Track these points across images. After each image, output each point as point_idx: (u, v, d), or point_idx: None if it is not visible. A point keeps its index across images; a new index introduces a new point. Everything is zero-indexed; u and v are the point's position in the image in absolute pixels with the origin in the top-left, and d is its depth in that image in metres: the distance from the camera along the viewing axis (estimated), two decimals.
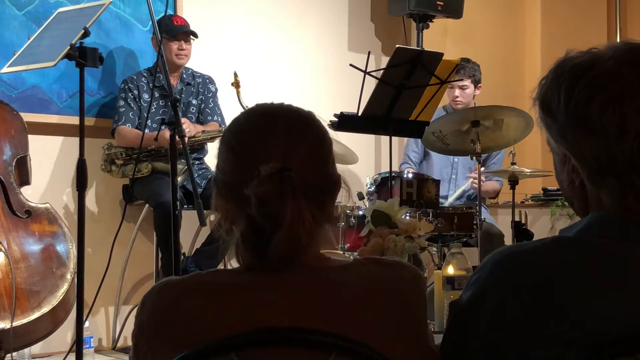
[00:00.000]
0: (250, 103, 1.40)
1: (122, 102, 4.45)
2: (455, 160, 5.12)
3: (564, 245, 1.19)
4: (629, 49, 1.19)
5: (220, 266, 4.57)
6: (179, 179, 3.87)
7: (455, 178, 5.16)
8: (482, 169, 4.52)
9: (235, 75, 4.06)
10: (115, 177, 4.43)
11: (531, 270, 1.15)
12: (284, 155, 1.24)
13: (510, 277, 1.16)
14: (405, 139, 5.45)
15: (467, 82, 4.98)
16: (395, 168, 4.29)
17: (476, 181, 4.79)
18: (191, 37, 4.51)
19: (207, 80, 4.72)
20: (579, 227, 1.20)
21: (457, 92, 4.98)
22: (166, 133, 3.42)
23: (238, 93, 4.06)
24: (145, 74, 4.55)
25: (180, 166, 3.72)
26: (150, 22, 4.50)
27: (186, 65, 4.63)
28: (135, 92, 4.46)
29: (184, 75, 4.62)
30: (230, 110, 4.55)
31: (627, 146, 1.14)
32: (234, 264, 1.30)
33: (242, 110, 4.20)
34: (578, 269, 1.13)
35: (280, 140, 1.26)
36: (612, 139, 1.15)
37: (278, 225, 1.18)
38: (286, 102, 1.35)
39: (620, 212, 1.18)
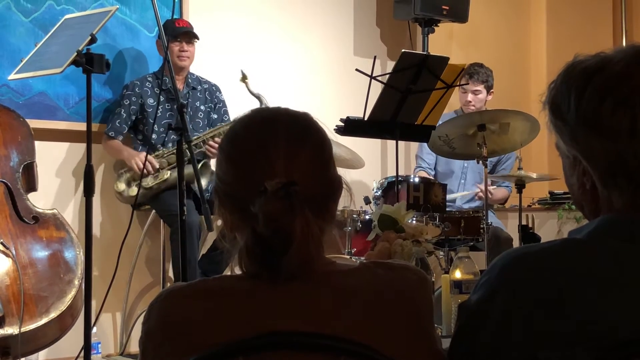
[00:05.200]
0: (254, 104, 1.38)
1: (118, 108, 4.47)
2: (465, 164, 5.12)
3: (574, 247, 1.18)
4: (638, 51, 1.20)
5: (227, 272, 4.57)
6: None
7: (464, 182, 5.16)
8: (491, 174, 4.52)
9: (242, 71, 4.10)
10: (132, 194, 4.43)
11: (540, 271, 1.15)
12: (286, 167, 1.23)
13: (519, 279, 1.16)
14: (412, 143, 5.45)
15: (479, 87, 4.99)
16: (401, 172, 4.29)
17: (480, 194, 4.79)
18: (194, 39, 4.52)
19: (214, 88, 4.73)
20: (588, 229, 1.20)
21: (470, 96, 4.98)
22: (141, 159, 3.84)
23: (247, 85, 4.11)
24: (150, 79, 4.56)
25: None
26: (157, 28, 4.53)
27: (191, 71, 4.64)
28: (134, 98, 4.46)
29: (189, 80, 4.63)
30: (236, 112, 4.56)
31: (639, 147, 1.14)
32: (239, 270, 1.30)
33: (254, 95, 4.25)
34: (587, 270, 1.13)
35: (282, 150, 1.25)
36: (624, 139, 1.15)
37: (288, 242, 1.18)
38: (287, 107, 1.34)
39: (631, 214, 1.18)
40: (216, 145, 4.43)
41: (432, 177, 5.07)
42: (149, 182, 4.35)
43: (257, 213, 1.18)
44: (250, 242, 1.21)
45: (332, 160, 1.32)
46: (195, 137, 4.24)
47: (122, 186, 4.38)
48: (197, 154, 4.07)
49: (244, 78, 4.16)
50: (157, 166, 4.36)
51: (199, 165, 3.99)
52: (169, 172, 4.33)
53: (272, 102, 1.33)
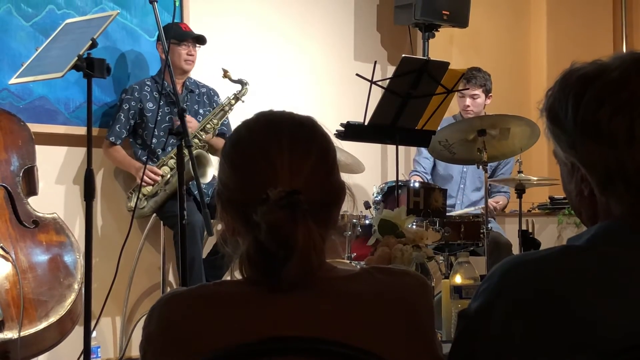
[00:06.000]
0: (255, 110, 1.37)
1: (117, 112, 4.46)
2: (464, 169, 5.12)
3: (573, 254, 1.19)
4: (635, 59, 1.20)
5: (227, 276, 4.57)
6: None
7: (464, 187, 5.16)
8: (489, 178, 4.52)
9: (222, 69, 4.41)
10: (148, 212, 4.43)
11: (540, 279, 1.15)
12: (290, 174, 1.23)
13: (518, 286, 1.16)
14: (412, 148, 5.45)
15: (478, 91, 4.99)
16: (401, 177, 4.29)
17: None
18: (197, 44, 4.53)
19: (212, 93, 4.73)
20: (587, 235, 1.20)
21: (468, 101, 4.98)
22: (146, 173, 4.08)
23: (229, 77, 4.42)
24: (148, 82, 4.55)
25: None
26: (157, 33, 4.54)
27: (189, 75, 4.64)
28: (133, 103, 4.45)
29: (187, 83, 4.63)
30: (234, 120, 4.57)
31: (637, 153, 1.15)
32: (240, 274, 1.30)
33: (236, 82, 4.39)
34: (587, 277, 1.13)
35: (286, 157, 1.24)
36: (622, 146, 1.15)
37: (290, 251, 1.17)
38: (288, 110, 1.34)
39: (629, 220, 1.18)
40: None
41: (426, 182, 5.07)
42: (152, 189, 4.35)
43: (260, 221, 1.18)
44: (252, 250, 1.21)
45: (336, 165, 1.32)
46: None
47: (134, 203, 4.37)
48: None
49: (225, 73, 4.40)
50: (161, 173, 4.36)
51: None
52: (169, 174, 4.33)
53: (272, 107, 1.32)
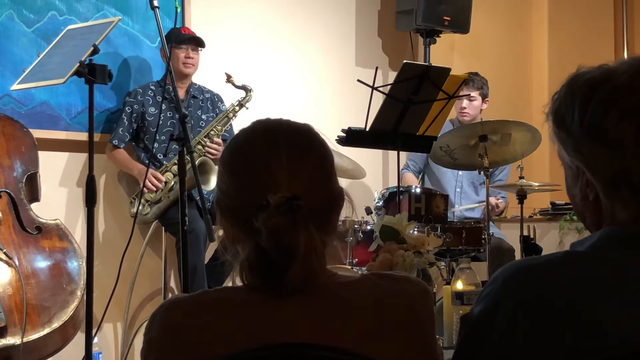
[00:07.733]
0: (256, 115, 1.38)
1: (120, 116, 4.47)
2: (460, 174, 5.12)
3: (576, 259, 1.19)
4: None
5: (228, 282, 4.57)
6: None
7: (460, 192, 5.16)
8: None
9: (225, 73, 4.45)
10: (151, 218, 4.43)
11: (543, 284, 1.15)
12: (289, 181, 1.23)
13: (521, 291, 1.16)
14: None
15: (474, 93, 4.99)
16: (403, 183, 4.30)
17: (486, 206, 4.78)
18: (199, 48, 4.54)
19: (216, 98, 4.73)
20: (591, 241, 1.20)
21: (465, 103, 4.99)
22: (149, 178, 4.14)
23: (232, 82, 4.45)
24: (152, 87, 4.55)
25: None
26: (159, 39, 4.54)
27: (193, 81, 4.65)
28: (136, 106, 4.46)
29: (191, 89, 4.63)
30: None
31: None
32: (240, 281, 1.31)
33: (240, 87, 4.41)
34: (590, 282, 1.13)
35: (284, 163, 1.25)
36: (628, 151, 1.15)
37: (291, 257, 1.18)
38: (288, 117, 1.34)
39: (634, 226, 1.18)
40: (214, 147, 4.43)
41: (417, 178, 5.10)
42: (155, 195, 4.35)
43: (260, 227, 1.18)
44: (253, 256, 1.21)
45: (334, 172, 1.32)
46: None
47: (136, 209, 4.35)
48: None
49: (228, 78, 4.44)
50: (164, 179, 4.36)
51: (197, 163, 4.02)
52: (173, 181, 4.33)
53: (273, 113, 1.33)
